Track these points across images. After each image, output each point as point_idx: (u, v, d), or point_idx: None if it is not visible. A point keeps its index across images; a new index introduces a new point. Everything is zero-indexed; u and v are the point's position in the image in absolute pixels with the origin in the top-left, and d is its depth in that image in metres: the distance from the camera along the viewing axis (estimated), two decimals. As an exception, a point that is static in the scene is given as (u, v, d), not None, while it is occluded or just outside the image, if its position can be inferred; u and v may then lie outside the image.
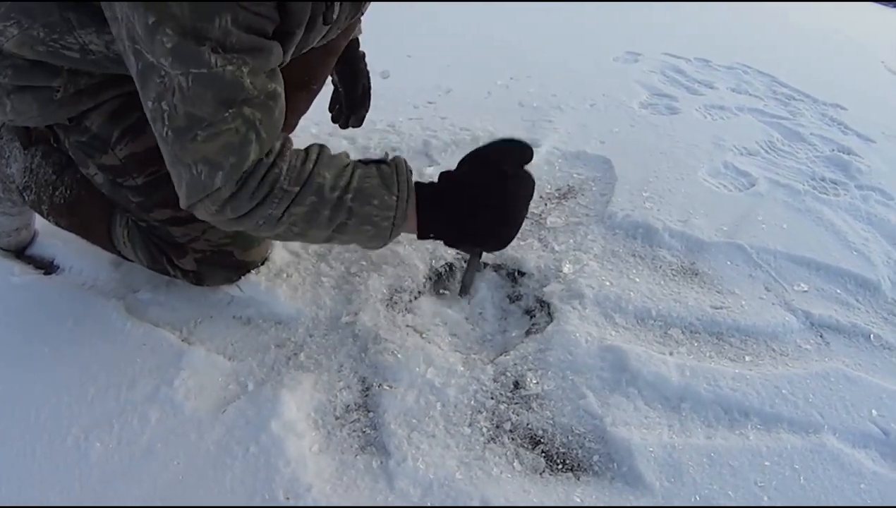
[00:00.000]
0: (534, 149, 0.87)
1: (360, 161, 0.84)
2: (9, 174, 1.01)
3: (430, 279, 1.18)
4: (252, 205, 0.75)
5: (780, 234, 1.37)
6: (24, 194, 1.02)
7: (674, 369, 0.97)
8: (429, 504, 0.78)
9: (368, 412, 0.92)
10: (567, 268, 1.19)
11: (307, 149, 0.80)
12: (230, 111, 0.70)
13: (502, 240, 0.89)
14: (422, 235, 0.88)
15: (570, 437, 0.90)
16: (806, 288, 1.24)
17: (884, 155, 1.91)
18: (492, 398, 0.94)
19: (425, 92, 1.94)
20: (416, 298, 1.13)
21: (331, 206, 0.78)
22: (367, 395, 0.94)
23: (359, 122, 1.34)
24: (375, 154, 1.56)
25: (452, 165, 0.87)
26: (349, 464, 0.84)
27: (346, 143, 1.57)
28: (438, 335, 1.07)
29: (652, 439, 0.88)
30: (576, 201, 1.45)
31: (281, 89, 0.76)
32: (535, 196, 1.09)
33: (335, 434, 0.88)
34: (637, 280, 1.19)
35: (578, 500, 0.81)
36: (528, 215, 1.26)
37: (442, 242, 0.90)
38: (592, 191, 1.49)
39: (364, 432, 0.89)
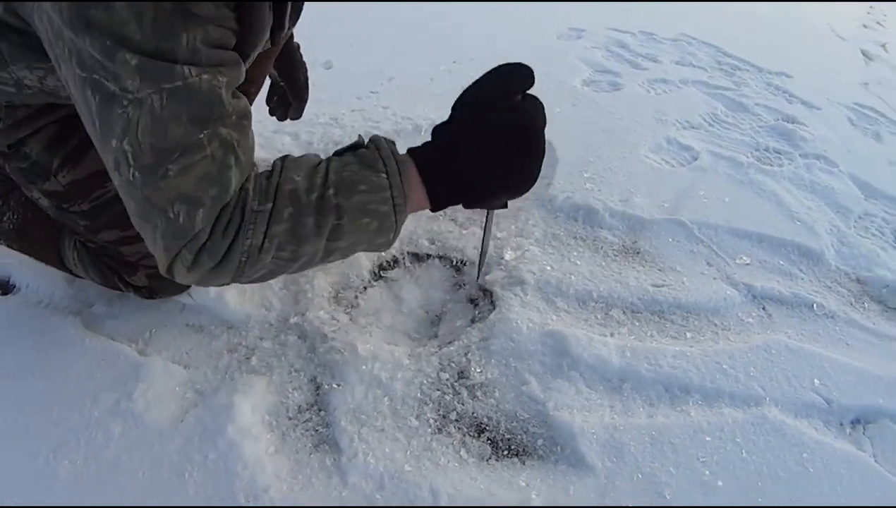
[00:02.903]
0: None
1: (334, 153, 0.74)
2: None
3: (375, 273, 1.15)
4: (227, 243, 0.64)
5: (721, 208, 1.37)
6: None
7: (614, 350, 0.97)
8: (381, 503, 0.78)
9: (320, 411, 0.91)
10: (508, 255, 1.18)
11: (270, 164, 0.71)
12: (205, 132, 0.61)
13: (528, 179, 0.75)
14: (437, 206, 0.75)
15: (514, 423, 0.90)
16: (748, 261, 1.25)
17: (828, 122, 1.93)
18: (437, 389, 0.93)
19: (368, 80, 1.89)
20: (361, 293, 1.11)
21: (313, 210, 0.67)
22: (318, 394, 0.93)
23: (298, 114, 1.29)
24: (319, 148, 1.52)
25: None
26: (304, 463, 0.84)
27: (290, 139, 1.52)
28: (384, 329, 1.05)
29: (594, 421, 0.88)
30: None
31: (248, 107, 0.68)
32: None
33: (289, 434, 0.87)
34: (578, 262, 1.18)
35: (524, 484, 0.82)
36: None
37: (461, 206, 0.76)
38: (540, 180, 1.47)
39: (317, 430, 0.88)
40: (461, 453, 0.85)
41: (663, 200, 1.38)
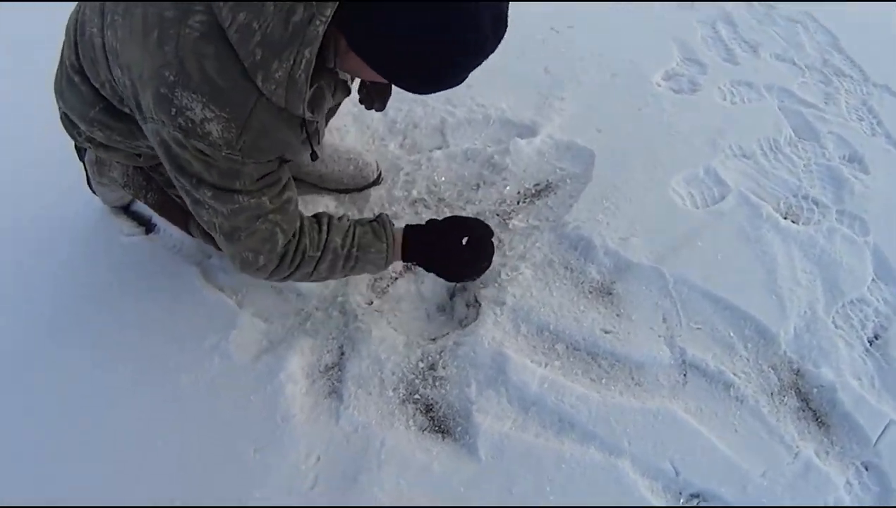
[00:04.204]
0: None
1: (357, 221, 1.26)
2: (112, 177, 1.47)
3: (406, 266, 1.58)
4: (290, 271, 1.17)
5: (708, 265, 1.55)
6: (125, 190, 1.49)
7: (538, 379, 1.35)
8: (355, 443, 1.29)
9: (339, 371, 1.41)
10: (504, 275, 1.53)
11: (318, 220, 1.21)
12: (258, 220, 1.08)
13: (452, 280, 1.44)
14: (406, 261, 1.33)
15: (450, 411, 1.35)
16: (700, 327, 1.45)
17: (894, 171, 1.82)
18: (412, 373, 1.40)
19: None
20: (391, 282, 1.56)
21: (343, 259, 1.21)
22: (341, 358, 1.43)
23: (381, 108, 1.57)
24: (400, 127, 1.87)
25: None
26: (319, 404, 1.35)
27: (379, 116, 1.88)
28: (397, 319, 1.51)
29: (497, 427, 1.30)
30: (544, 202, 1.70)
31: (292, 193, 1.15)
32: (513, 191, 1.67)
33: (316, 383, 1.39)
34: (555, 294, 1.51)
35: (434, 453, 1.27)
36: (496, 214, 1.66)
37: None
38: (564, 192, 1.72)
39: (333, 384, 1.39)
40: (409, 422, 1.33)
41: (660, 245, 1.57)
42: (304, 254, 1.17)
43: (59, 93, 1.21)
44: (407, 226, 1.31)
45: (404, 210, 1.68)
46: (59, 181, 1.70)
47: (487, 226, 1.34)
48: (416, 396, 1.36)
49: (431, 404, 1.36)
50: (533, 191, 1.74)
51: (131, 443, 1.29)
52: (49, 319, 1.48)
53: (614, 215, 1.65)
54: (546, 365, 1.40)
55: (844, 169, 1.82)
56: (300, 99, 0.94)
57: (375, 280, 1.56)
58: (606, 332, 1.45)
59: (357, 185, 1.71)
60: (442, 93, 1.98)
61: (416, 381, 1.38)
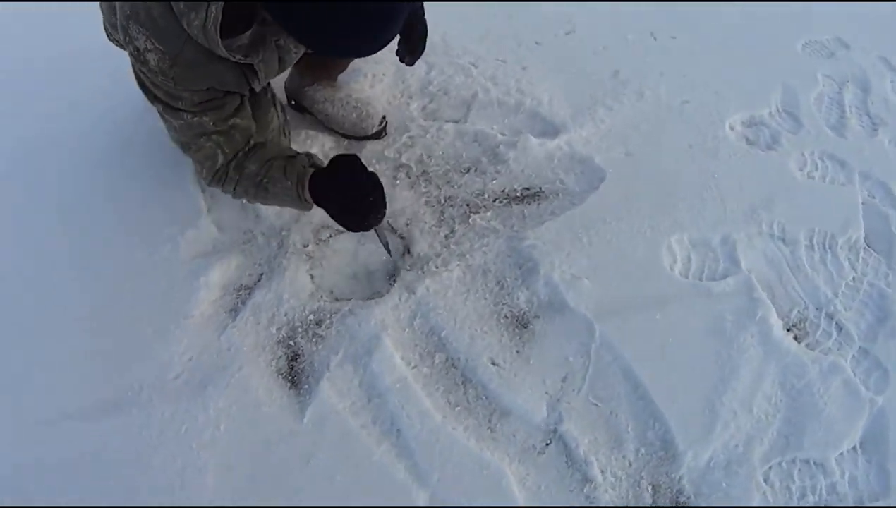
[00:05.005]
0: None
1: (283, 156, 1.30)
2: None
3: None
4: (220, 187, 1.34)
5: (651, 344, 1.34)
6: None
7: (395, 376, 1.32)
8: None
9: (247, 295, 1.51)
10: (433, 265, 1.49)
11: (254, 148, 1.31)
12: (202, 138, 1.24)
13: (349, 227, 1.29)
14: (317, 203, 1.29)
15: (309, 369, 1.38)
16: (598, 404, 1.29)
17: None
18: (299, 322, 1.44)
19: (549, 26, 1.94)
20: (334, 236, 1.61)
21: (255, 186, 1.30)
22: (255, 285, 1.53)
23: (411, 63, 1.60)
24: (436, 87, 1.84)
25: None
26: (216, 316, 1.46)
27: (417, 73, 1.87)
28: (320, 269, 1.56)
29: (334, 401, 1.30)
30: (521, 209, 1.57)
31: (239, 122, 1.27)
32: (497, 187, 1.59)
33: (225, 297, 1.51)
34: (468, 304, 1.43)
35: (273, 398, 1.32)
36: (466, 203, 1.61)
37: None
38: (547, 206, 1.57)
39: (235, 304, 1.50)
40: (272, 362, 1.38)
41: (611, 299, 1.39)
42: (227, 174, 1.31)
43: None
44: (313, 171, 1.29)
45: (386, 171, 1.68)
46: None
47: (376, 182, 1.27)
48: (291, 343, 1.42)
49: (298, 355, 1.40)
50: (517, 194, 1.61)
51: (69, 281, 1.51)
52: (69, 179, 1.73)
53: (581, 250, 1.48)
54: (413, 367, 1.36)
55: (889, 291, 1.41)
56: (215, 44, 1.04)
57: (322, 227, 1.61)
58: (493, 364, 1.35)
59: (356, 134, 1.74)
60: (488, 67, 1.97)
61: (299, 330, 1.43)
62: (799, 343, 1.36)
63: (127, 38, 1.09)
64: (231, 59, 1.09)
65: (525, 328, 1.40)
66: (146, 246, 1.54)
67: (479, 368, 1.34)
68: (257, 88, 1.28)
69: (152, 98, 1.19)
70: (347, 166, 1.25)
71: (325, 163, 1.29)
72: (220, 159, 1.28)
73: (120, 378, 1.34)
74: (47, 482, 1.24)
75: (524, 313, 1.42)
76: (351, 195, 1.25)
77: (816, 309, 1.41)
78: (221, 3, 0.98)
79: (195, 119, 1.20)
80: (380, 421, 1.29)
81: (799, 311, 1.41)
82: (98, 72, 1.86)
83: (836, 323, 1.39)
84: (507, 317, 1.42)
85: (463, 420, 1.30)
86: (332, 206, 1.28)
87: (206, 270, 1.50)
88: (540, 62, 1.87)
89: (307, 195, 1.27)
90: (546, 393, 1.32)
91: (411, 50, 1.55)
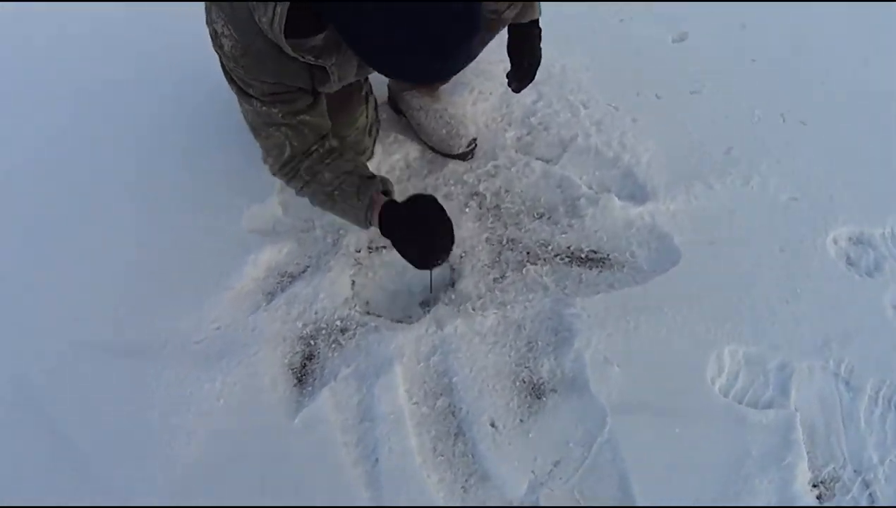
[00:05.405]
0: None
1: (359, 173, 1.29)
2: None
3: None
4: (286, 181, 1.32)
5: (655, 455, 1.18)
6: None
7: (392, 408, 1.28)
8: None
9: (288, 283, 1.54)
10: (471, 306, 1.43)
11: (331, 154, 1.31)
12: (272, 127, 1.23)
13: (411, 262, 1.26)
14: (383, 234, 1.28)
15: (319, 372, 1.38)
16: (583, 501, 1.17)
17: None
18: (325, 324, 1.44)
19: (676, 81, 1.78)
20: (387, 247, 1.55)
21: (325, 194, 1.29)
22: (298, 275, 1.55)
23: (518, 90, 1.55)
24: (531, 123, 1.76)
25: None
26: (254, 295, 1.51)
27: (523, 102, 1.81)
28: (364, 278, 1.55)
29: (328, 412, 1.30)
30: (579, 273, 1.46)
31: (310, 119, 1.25)
32: (564, 243, 1.51)
33: (267, 280, 1.55)
34: (490, 357, 1.35)
35: (276, 390, 1.34)
36: (527, 251, 1.53)
37: None
38: (608, 276, 1.44)
39: (274, 290, 1.53)
40: (288, 356, 1.40)
41: (635, 397, 1.25)
42: (297, 172, 1.29)
43: None
44: (388, 200, 1.27)
45: (459, 196, 1.63)
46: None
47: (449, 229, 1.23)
48: (311, 342, 1.42)
49: (313, 356, 1.41)
50: (581, 255, 1.49)
51: (130, 225, 1.62)
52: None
53: (624, 333, 1.34)
54: (414, 403, 1.31)
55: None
56: (282, 43, 1.06)
57: (379, 235, 1.59)
58: (492, 425, 1.27)
59: (442, 150, 1.70)
60: (597, 111, 1.85)
61: (323, 332, 1.44)
62: (819, 500, 1.14)
63: (209, 19, 1.12)
64: (300, 59, 1.10)
65: (538, 398, 1.29)
66: (211, 209, 1.61)
67: (476, 425, 1.27)
68: (330, 90, 1.27)
69: (229, 80, 1.21)
70: (425, 208, 1.23)
71: (394, 189, 1.30)
72: (288, 151, 1.27)
73: (150, 326, 1.43)
74: (50, 396, 1.36)
75: (542, 382, 1.31)
76: (422, 241, 1.23)
77: (854, 471, 1.16)
78: (287, 3, 0.98)
79: (264, 108, 1.20)
80: (363, 444, 1.26)
81: (834, 469, 1.17)
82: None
83: (870, 494, 1.14)
84: (524, 381, 1.32)
85: (441, 471, 1.23)
86: (400, 243, 1.25)
87: (258, 248, 1.55)
88: (653, 117, 1.71)
89: (375, 220, 1.26)
90: (532, 472, 1.21)
91: (520, 77, 1.50)
